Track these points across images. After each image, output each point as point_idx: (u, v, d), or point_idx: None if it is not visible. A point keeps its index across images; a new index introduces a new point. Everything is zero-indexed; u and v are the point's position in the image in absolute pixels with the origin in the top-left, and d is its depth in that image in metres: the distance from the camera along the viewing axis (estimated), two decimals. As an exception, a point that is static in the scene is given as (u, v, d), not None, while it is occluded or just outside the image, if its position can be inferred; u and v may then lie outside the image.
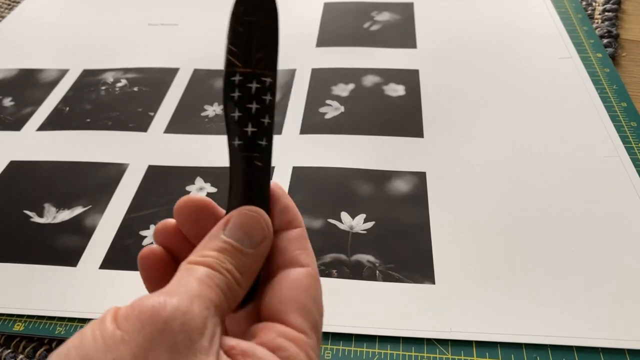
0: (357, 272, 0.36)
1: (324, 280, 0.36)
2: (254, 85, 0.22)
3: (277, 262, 0.22)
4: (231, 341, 0.19)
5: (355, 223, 0.39)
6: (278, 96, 0.51)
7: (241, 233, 0.21)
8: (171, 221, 0.23)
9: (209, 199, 0.23)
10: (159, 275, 0.23)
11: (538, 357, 0.31)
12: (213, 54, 0.58)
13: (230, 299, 0.19)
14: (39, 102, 0.53)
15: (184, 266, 0.20)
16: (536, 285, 0.34)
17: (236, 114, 0.22)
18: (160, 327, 0.17)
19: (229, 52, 0.22)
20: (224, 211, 0.23)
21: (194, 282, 0.19)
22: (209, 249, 0.20)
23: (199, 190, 0.42)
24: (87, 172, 0.45)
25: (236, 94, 0.22)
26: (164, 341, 0.16)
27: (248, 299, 0.21)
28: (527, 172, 0.42)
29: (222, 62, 0.22)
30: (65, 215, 0.41)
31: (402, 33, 0.59)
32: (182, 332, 0.17)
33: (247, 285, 0.21)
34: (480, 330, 0.32)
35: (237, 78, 0.22)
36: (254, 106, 0.22)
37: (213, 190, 0.42)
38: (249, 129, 0.22)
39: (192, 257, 0.20)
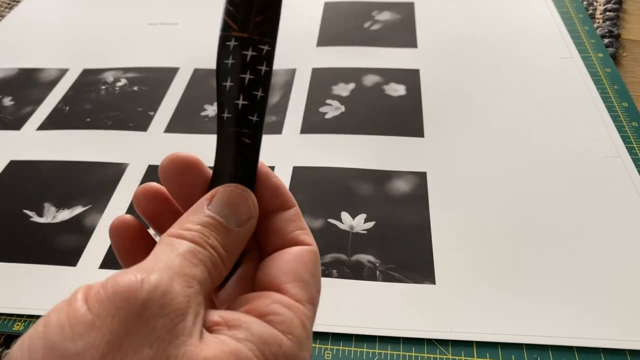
0: (357, 272, 0.36)
1: (324, 280, 0.36)
2: (249, 53, 0.20)
3: (275, 243, 0.21)
4: (214, 316, 0.17)
5: (355, 223, 0.39)
6: (278, 96, 0.51)
7: (227, 210, 0.19)
8: (152, 185, 0.22)
9: (197, 157, 0.21)
10: (132, 246, 0.21)
11: (538, 358, 0.31)
12: (213, 53, 0.57)
13: (214, 276, 0.18)
14: (39, 102, 0.53)
15: (165, 239, 0.18)
16: (536, 285, 0.34)
17: (228, 84, 0.20)
18: (136, 311, 0.15)
19: (226, 12, 0.20)
20: (211, 172, 0.21)
21: (175, 258, 0.17)
22: (193, 222, 0.19)
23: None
24: (87, 172, 0.45)
25: (230, 61, 0.20)
26: (142, 327, 0.15)
27: (227, 278, 0.20)
28: (527, 172, 0.42)
29: None
30: (65, 214, 0.41)
31: (403, 32, 0.59)
32: (162, 316, 0.15)
33: (231, 264, 0.19)
34: (480, 331, 0.32)
35: (232, 43, 0.20)
36: (247, 76, 0.20)
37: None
38: (240, 101, 0.20)
39: (173, 229, 0.19)
